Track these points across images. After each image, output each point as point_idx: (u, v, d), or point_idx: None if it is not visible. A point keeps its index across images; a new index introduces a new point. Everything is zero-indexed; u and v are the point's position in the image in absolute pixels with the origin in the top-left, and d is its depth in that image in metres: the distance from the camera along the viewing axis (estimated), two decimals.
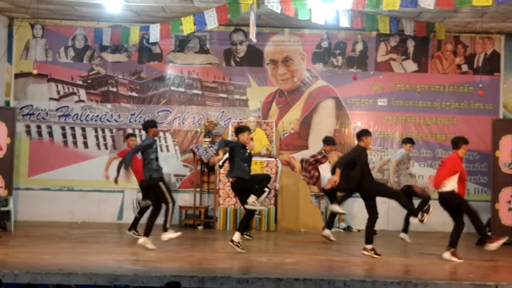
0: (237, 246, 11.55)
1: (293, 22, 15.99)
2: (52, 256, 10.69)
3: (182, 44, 17.05)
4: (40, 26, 16.85)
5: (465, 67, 17.06)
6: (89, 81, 16.98)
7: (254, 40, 13.61)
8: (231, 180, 12.16)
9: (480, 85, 15.36)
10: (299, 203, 15.64)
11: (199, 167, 16.36)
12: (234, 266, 10.37)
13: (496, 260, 11.49)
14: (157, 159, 12.02)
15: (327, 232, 13.64)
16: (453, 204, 11.28)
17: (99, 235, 14.13)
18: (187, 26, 14.26)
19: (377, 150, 16.86)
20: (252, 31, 13.30)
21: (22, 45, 16.86)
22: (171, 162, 16.63)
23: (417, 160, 16.49)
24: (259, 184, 12.08)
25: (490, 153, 14.70)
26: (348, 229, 16.08)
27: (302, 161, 14.36)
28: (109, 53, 17.00)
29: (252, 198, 11.78)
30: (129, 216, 15.81)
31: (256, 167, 14.72)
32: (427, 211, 12.04)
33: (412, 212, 12.08)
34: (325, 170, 13.88)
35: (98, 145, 16.84)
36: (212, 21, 14.03)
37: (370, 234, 11.47)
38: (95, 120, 16.83)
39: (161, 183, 11.91)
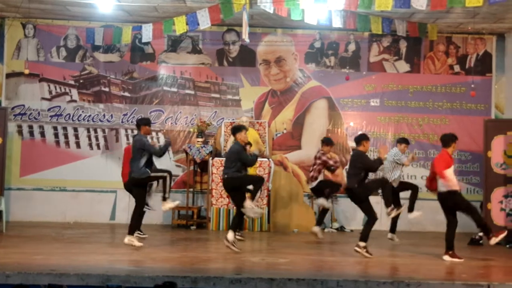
0: (232, 245, 11.54)
1: (285, 22, 15.99)
2: (44, 257, 10.65)
3: (174, 44, 17.03)
4: (31, 25, 16.80)
5: (457, 68, 17.10)
6: (81, 81, 16.94)
7: (247, 40, 13.62)
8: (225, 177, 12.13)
9: (472, 86, 15.44)
10: (292, 203, 15.65)
11: (191, 167, 16.35)
12: (227, 266, 10.35)
13: (488, 260, 11.54)
14: (148, 158, 11.97)
15: (316, 228, 13.67)
16: (453, 204, 11.30)
17: (92, 235, 14.09)
18: (180, 26, 14.25)
19: (370, 151, 16.80)
20: (245, 31, 13.30)
21: (14, 44, 16.81)
22: (163, 162, 16.49)
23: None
24: (252, 184, 12.09)
25: (482, 153, 14.75)
26: (341, 229, 16.09)
27: (312, 170, 14.16)
28: (101, 53, 16.96)
29: (248, 203, 11.80)
30: (121, 217, 15.83)
31: (249, 167, 14.71)
32: (398, 208, 12.10)
33: (388, 203, 12.13)
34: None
35: (90, 145, 16.80)
36: (204, 21, 14.02)
37: (366, 232, 11.45)
38: (87, 120, 16.79)
39: (148, 176, 11.89)
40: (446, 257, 11.22)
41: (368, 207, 11.59)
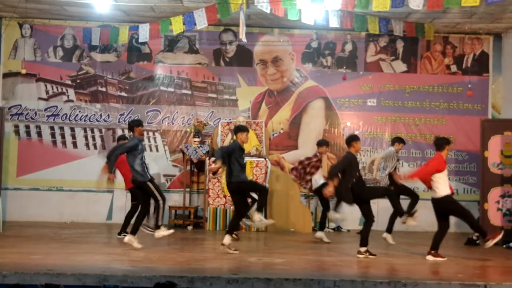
0: (229, 248, 11.55)
1: (282, 22, 15.99)
2: (41, 257, 10.65)
3: (171, 44, 17.03)
4: (28, 25, 16.79)
5: (454, 68, 17.12)
6: (78, 81, 16.93)
7: (245, 40, 13.61)
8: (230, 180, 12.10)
9: (469, 86, 15.43)
10: (289, 203, 15.65)
11: (188, 167, 16.35)
12: (223, 266, 10.34)
13: (485, 260, 11.54)
14: (143, 160, 11.96)
15: (320, 234, 13.66)
16: (447, 209, 11.32)
17: (89, 235, 14.09)
18: (177, 26, 14.26)
19: (367, 150, 16.89)
20: (242, 31, 13.30)
21: (11, 44, 16.80)
22: (160, 162, 16.62)
23: (407, 160, 16.54)
24: (255, 191, 12.12)
25: (479, 153, 14.75)
26: (338, 229, 16.10)
27: (299, 162, 14.10)
28: (98, 53, 16.96)
29: (257, 216, 11.84)
30: (118, 216, 15.82)
31: (246, 168, 14.72)
32: (412, 215, 12.08)
33: (399, 212, 12.10)
34: (317, 172, 13.86)
35: (87, 145, 16.79)
36: (201, 21, 14.02)
37: (365, 237, 11.48)
38: (84, 120, 16.78)
39: (149, 183, 11.88)
40: (429, 257, 11.25)
41: (367, 210, 11.61)
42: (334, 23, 14.22)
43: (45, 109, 16.77)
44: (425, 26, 15.50)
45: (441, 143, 11.60)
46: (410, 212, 13.01)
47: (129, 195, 13.92)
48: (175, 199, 16.37)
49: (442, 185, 11.25)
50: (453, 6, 12.69)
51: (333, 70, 17.08)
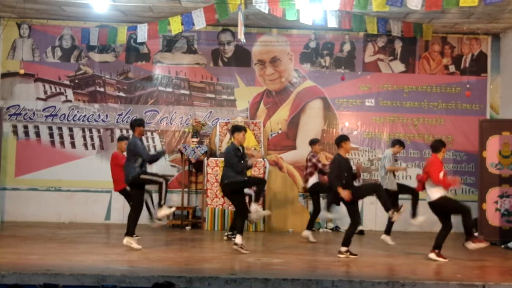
0: (241, 248, 11.56)
1: (281, 22, 15.99)
2: (39, 257, 10.65)
3: (169, 44, 17.02)
4: (27, 25, 16.78)
5: (452, 68, 17.13)
6: (76, 81, 16.93)
7: (243, 40, 13.59)
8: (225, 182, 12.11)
9: (467, 86, 15.42)
10: (287, 204, 15.66)
11: (186, 167, 16.34)
12: (222, 266, 10.34)
13: (483, 260, 11.53)
14: (143, 161, 11.93)
15: (306, 233, 13.68)
16: (445, 209, 11.33)
17: (87, 235, 14.08)
18: (175, 26, 14.25)
19: (365, 151, 16.90)
20: (240, 31, 13.29)
21: (9, 44, 16.79)
22: (158, 162, 16.46)
23: (405, 161, 16.52)
24: (253, 185, 12.15)
25: (477, 153, 14.74)
26: (336, 229, 16.10)
27: (306, 173, 14.11)
28: (97, 53, 16.95)
29: (254, 206, 11.86)
30: (116, 217, 15.83)
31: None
32: (398, 210, 12.06)
33: (388, 209, 12.01)
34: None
35: (85, 145, 16.78)
36: (200, 21, 14.02)
37: (348, 237, 11.51)
38: (83, 120, 16.77)
39: (143, 175, 11.86)
40: (432, 255, 11.25)
41: (354, 210, 11.62)
42: (333, 23, 14.22)
43: (44, 109, 16.76)
44: (423, 26, 15.51)
45: (437, 145, 11.60)
46: (413, 211, 13.08)
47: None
48: (173, 199, 16.34)
49: (434, 188, 11.26)
50: (452, 7, 12.68)
51: (331, 70, 17.09)
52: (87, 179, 16.33)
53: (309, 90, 17.04)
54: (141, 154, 11.81)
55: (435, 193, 11.26)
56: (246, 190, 12.36)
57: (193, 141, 16.00)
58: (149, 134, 16.59)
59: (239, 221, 12.05)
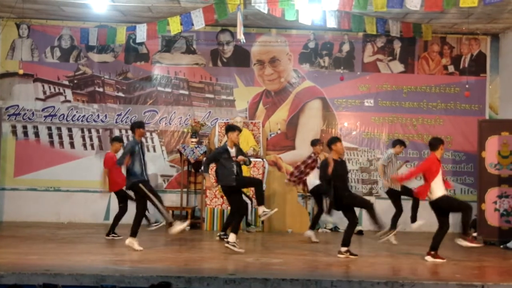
0: (234, 246, 11.56)
1: (280, 22, 15.99)
2: (38, 257, 10.65)
3: (168, 44, 17.02)
4: (26, 25, 16.77)
5: (451, 68, 17.13)
6: (75, 81, 16.92)
7: (243, 40, 13.59)
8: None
9: (467, 86, 15.42)
10: (286, 204, 15.66)
11: (186, 168, 16.35)
12: (221, 266, 10.36)
13: (482, 261, 11.54)
14: (142, 162, 11.90)
15: (309, 232, 13.69)
16: (445, 207, 11.31)
17: (86, 235, 14.08)
18: (174, 26, 14.25)
19: (364, 151, 16.90)
20: (240, 31, 13.28)
21: (8, 44, 16.78)
22: (157, 163, 16.61)
23: (404, 160, 16.50)
24: (249, 186, 12.17)
25: (476, 153, 14.75)
26: (335, 229, 16.09)
27: (296, 167, 14.13)
28: (96, 53, 16.95)
29: (261, 210, 11.92)
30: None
31: (244, 168, 14.73)
32: (389, 232, 11.98)
33: (378, 226, 11.88)
34: (312, 173, 13.85)
35: (84, 145, 16.78)
36: (199, 21, 14.02)
37: (347, 237, 11.50)
38: (82, 121, 16.77)
39: (140, 184, 11.82)
40: (428, 258, 11.23)
41: (351, 213, 11.63)
42: (332, 23, 14.22)
43: (43, 110, 16.75)
44: (422, 26, 15.51)
45: (434, 143, 11.58)
46: (413, 215, 13.17)
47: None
48: (172, 199, 16.36)
49: (435, 187, 11.25)
50: (452, 7, 12.68)
51: (330, 71, 17.08)
52: (86, 179, 16.30)
53: (308, 90, 17.04)
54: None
55: (436, 192, 11.24)
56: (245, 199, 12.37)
57: (192, 141, 16.00)
58: (148, 134, 16.57)
59: (234, 220, 12.05)
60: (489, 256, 11.99)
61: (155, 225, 12.77)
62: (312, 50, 17.14)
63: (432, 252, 11.23)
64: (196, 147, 15.76)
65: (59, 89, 16.87)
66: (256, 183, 12.47)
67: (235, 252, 11.48)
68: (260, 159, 15.37)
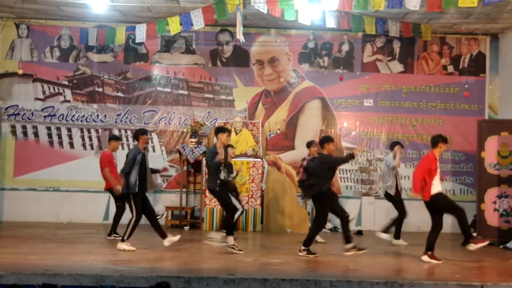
0: (233, 248, 11.58)
1: (279, 22, 15.99)
2: (38, 257, 10.65)
3: (168, 45, 17.02)
4: (25, 25, 16.77)
5: (450, 68, 17.13)
6: (74, 81, 16.92)
7: (243, 40, 13.58)
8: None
9: (466, 86, 15.43)
10: (285, 204, 15.65)
11: (185, 168, 16.35)
12: (220, 266, 10.35)
13: (481, 261, 11.54)
14: (142, 173, 11.80)
15: None
16: (439, 206, 11.30)
17: (85, 235, 14.08)
18: (173, 26, 14.25)
19: (363, 151, 16.89)
20: (239, 31, 13.28)
21: (7, 44, 16.78)
22: (157, 163, 16.55)
23: (403, 161, 16.44)
24: (224, 208, 12.23)
25: (476, 153, 14.76)
26: (334, 229, 16.07)
27: (299, 178, 14.08)
28: (95, 53, 16.95)
29: (216, 234, 12.02)
30: None
31: (243, 168, 14.78)
32: (356, 248, 11.83)
33: (347, 238, 11.78)
34: None
35: (84, 145, 16.78)
36: (198, 22, 14.02)
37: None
38: (81, 121, 16.77)
39: (132, 196, 11.77)
40: (425, 258, 11.21)
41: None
42: (331, 23, 14.22)
43: (42, 110, 16.75)
44: (422, 26, 15.51)
45: (436, 140, 11.54)
46: (388, 227, 13.27)
47: None
48: (171, 199, 16.38)
49: (433, 184, 11.24)
50: (451, 7, 12.68)
51: (329, 71, 17.08)
52: (85, 179, 16.30)
53: (307, 90, 17.04)
54: (124, 164, 11.89)
55: (433, 189, 11.23)
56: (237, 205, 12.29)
57: (191, 141, 16.00)
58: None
59: (227, 221, 12.03)
60: (488, 256, 11.98)
61: (115, 236, 13.10)
62: (311, 50, 17.14)
63: (429, 253, 11.22)
64: (195, 147, 15.76)
65: (58, 89, 16.87)
66: (230, 209, 12.05)
67: (234, 252, 11.49)
68: (259, 159, 15.36)
